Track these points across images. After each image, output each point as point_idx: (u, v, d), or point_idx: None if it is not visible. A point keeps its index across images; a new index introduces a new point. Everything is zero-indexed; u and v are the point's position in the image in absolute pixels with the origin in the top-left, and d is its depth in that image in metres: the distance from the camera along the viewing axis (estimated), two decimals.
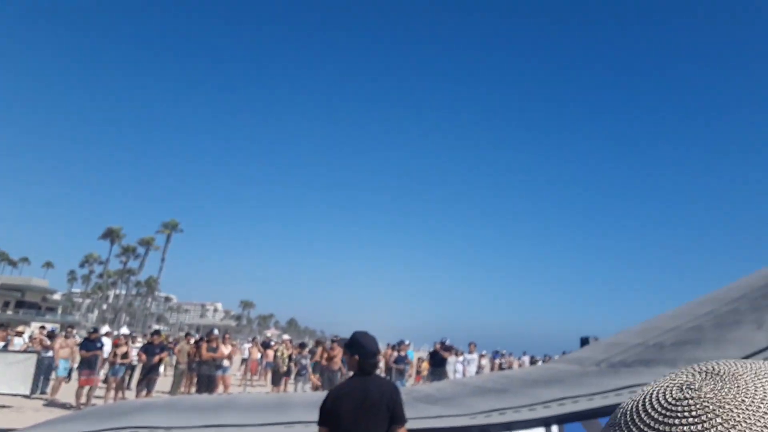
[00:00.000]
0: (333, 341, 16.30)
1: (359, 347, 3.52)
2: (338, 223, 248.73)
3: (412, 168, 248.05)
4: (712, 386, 0.57)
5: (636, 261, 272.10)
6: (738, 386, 0.56)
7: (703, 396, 0.56)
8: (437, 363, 15.95)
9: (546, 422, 4.70)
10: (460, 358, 17.18)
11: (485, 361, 22.39)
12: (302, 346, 17.29)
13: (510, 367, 23.50)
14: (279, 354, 16.57)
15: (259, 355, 20.68)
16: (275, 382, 16.22)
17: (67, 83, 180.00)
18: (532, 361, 25.17)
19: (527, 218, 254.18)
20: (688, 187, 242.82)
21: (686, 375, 0.61)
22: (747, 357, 5.31)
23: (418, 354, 28.56)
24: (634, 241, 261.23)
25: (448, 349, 16.74)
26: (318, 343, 17.75)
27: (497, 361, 23.24)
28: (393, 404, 3.38)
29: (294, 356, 16.08)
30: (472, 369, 17.28)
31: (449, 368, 16.13)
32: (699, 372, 0.61)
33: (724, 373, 0.59)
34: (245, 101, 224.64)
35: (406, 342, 17.97)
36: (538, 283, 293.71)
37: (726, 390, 0.56)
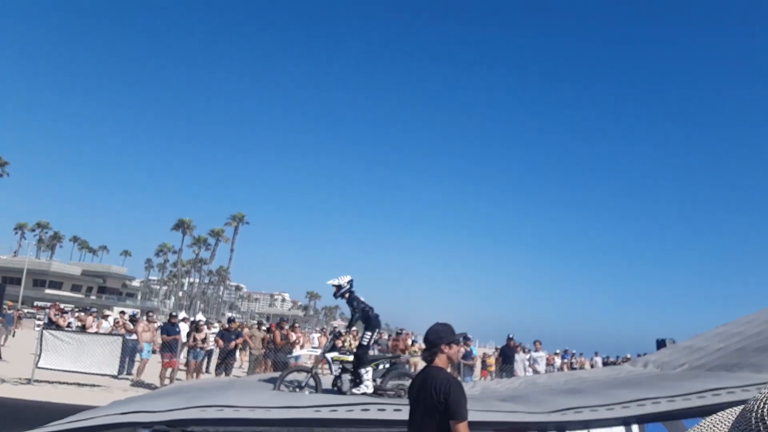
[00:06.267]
0: (398, 335, 16.50)
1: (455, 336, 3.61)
2: (401, 216, 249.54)
3: (478, 160, 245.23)
4: None
5: (715, 262, 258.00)
6: None
7: None
8: (507, 359, 15.83)
9: (626, 422, 4.63)
10: (527, 356, 16.98)
11: (558, 360, 21.96)
12: None
13: (581, 367, 22.99)
14: (347, 345, 16.90)
15: None
16: None
17: (143, 80, 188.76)
18: (605, 362, 24.48)
19: (598, 214, 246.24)
20: None
21: None
22: None
23: (481, 350, 28.38)
24: (713, 240, 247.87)
25: (514, 346, 16.60)
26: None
27: (567, 360, 22.76)
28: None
29: None
30: (540, 367, 17.02)
31: (517, 366, 15.96)
32: None
33: None
34: (307, 95, 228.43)
35: (470, 336, 17.91)
36: (606, 282, 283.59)
37: None
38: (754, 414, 0.54)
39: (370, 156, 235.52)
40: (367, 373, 7.96)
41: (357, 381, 7.96)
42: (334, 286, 8.60)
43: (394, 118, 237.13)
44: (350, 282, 8.55)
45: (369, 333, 8.22)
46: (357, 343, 16.69)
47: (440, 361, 3.52)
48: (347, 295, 8.41)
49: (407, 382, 8.21)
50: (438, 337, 3.56)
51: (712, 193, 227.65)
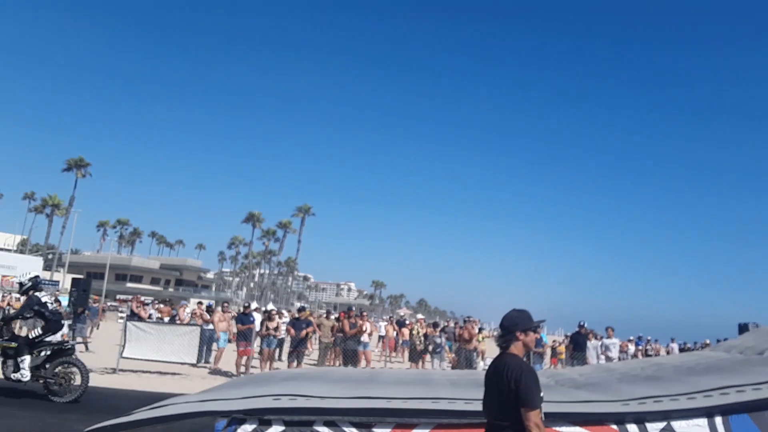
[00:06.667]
0: (465, 322, 16.43)
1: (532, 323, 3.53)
2: (466, 205, 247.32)
3: (546, 148, 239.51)
4: None
5: None
6: None
7: None
8: (578, 347, 15.45)
9: (708, 413, 4.43)
10: (599, 343, 16.52)
11: (631, 347, 21.25)
12: (435, 325, 17.59)
13: (657, 354, 22.19)
14: (415, 332, 16.98)
15: (394, 333, 21.41)
16: (413, 359, 16.67)
17: (213, 80, 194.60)
18: (682, 349, 23.51)
19: (673, 196, 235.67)
20: None
21: None
22: None
23: (550, 338, 27.86)
24: None
25: (586, 332, 16.17)
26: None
27: (642, 347, 21.98)
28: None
29: (428, 335, 16.39)
30: (613, 354, 16.54)
31: (589, 353, 15.55)
32: None
33: None
34: (369, 89, 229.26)
35: (540, 324, 17.55)
36: (682, 265, 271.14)
37: None
38: None
39: (433, 146, 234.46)
40: (23, 362, 8.43)
41: (17, 368, 8.45)
42: (17, 283, 9.27)
43: (458, 109, 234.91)
44: (33, 279, 9.07)
45: (40, 331, 8.71)
46: (424, 330, 16.80)
47: (515, 348, 3.42)
48: (30, 292, 8.92)
49: (73, 370, 8.61)
50: (513, 323, 3.46)
51: None
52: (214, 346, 16.19)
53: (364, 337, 15.33)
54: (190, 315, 19.33)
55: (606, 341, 16.53)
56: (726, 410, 4.42)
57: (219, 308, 18.61)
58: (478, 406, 3.72)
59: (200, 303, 20.76)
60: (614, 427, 4.42)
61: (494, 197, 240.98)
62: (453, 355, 15.76)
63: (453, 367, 14.68)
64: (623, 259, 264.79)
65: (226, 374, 14.04)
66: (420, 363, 16.38)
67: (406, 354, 18.86)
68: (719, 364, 7.00)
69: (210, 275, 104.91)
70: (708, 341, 20.54)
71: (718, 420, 4.38)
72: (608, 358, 15.52)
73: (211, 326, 16.22)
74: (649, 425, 4.41)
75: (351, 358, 14.78)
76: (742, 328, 12.77)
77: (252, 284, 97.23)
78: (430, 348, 15.75)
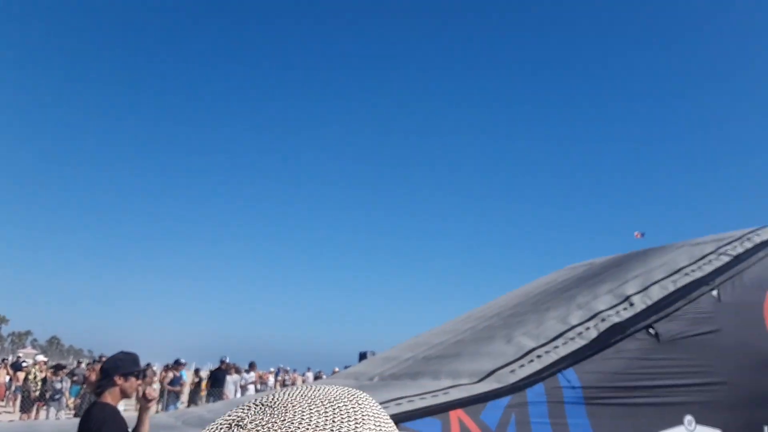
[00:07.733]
0: (95, 362, 14.96)
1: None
2: (104, 231, 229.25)
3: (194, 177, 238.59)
4: (259, 419, 0.56)
5: (416, 274, 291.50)
6: (286, 416, 0.56)
7: (247, 431, 0.55)
8: (216, 383, 15.48)
9: None
10: (239, 377, 16.89)
11: (271, 378, 22.20)
12: (58, 367, 15.42)
13: (293, 383, 23.57)
14: (31, 377, 14.68)
15: (7, 378, 18.50)
16: (24, 408, 14.37)
17: None
18: (316, 377, 25.51)
19: (301, 230, 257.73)
20: (462, 198, 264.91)
21: (242, 411, 0.59)
22: (497, 369, 5.97)
23: (201, 373, 27.32)
24: (411, 254, 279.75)
25: (228, 368, 16.39)
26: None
27: (280, 377, 23.14)
28: None
29: (48, 379, 14.30)
30: (251, 388, 17.10)
31: (228, 388, 15.70)
32: (255, 405, 0.60)
33: (277, 403, 0.59)
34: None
35: (183, 361, 17.03)
36: (320, 298, 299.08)
37: (272, 422, 0.55)
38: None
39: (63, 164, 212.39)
40: None
41: None
42: None
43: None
44: None
45: None
46: (43, 374, 14.55)
47: (110, 395, 3.06)
48: None
49: None
50: (115, 366, 3.09)
51: (408, 196, 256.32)
52: None
53: None
54: None
55: (246, 375, 16.89)
56: None
57: None
58: None
59: None
60: None
61: (138, 223, 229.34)
62: (78, 400, 14.02)
63: (75, 414, 13.02)
64: (268, 291, 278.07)
65: None
66: (34, 412, 14.13)
67: (18, 403, 16.12)
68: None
69: None
70: (337, 369, 22.65)
71: None
72: (245, 391, 15.86)
73: None
74: None
75: None
76: (362, 356, 14.54)
77: None
78: (48, 395, 13.71)
